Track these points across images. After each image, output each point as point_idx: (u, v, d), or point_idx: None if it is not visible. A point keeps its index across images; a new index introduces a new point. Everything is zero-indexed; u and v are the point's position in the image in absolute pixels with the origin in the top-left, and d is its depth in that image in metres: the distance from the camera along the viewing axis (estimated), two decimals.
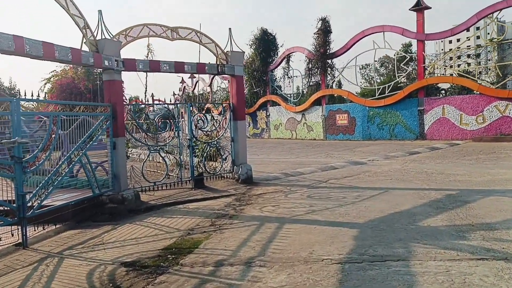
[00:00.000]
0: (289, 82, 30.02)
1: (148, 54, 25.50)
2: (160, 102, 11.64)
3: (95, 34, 8.80)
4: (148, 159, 10.05)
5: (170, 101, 17.20)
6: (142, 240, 6.61)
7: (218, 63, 11.44)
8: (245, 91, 32.40)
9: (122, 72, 9.49)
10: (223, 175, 11.90)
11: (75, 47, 8.07)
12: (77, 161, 8.15)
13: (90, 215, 8.63)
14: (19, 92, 41.54)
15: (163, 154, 10.29)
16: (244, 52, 11.79)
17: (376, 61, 25.00)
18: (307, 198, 9.32)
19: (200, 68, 10.89)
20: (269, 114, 30.91)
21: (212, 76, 37.84)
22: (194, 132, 11.06)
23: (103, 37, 8.90)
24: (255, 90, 31.74)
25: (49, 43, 7.34)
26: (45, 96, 28.21)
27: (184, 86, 45.13)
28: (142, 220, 8.09)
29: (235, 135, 11.84)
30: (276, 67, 30.62)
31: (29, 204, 6.89)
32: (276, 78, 31.46)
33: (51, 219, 7.61)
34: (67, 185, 9.04)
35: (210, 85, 38.66)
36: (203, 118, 11.29)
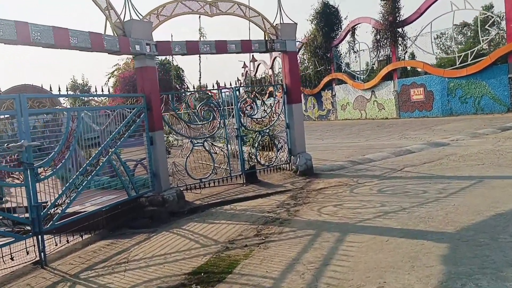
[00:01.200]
0: (356, 57, 27.64)
1: (200, 39, 24.52)
2: (202, 89, 10.41)
3: (121, 15, 7.75)
4: (191, 153, 8.94)
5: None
6: (171, 257, 5.46)
7: (266, 38, 9.96)
8: (309, 71, 30.64)
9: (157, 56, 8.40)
10: (279, 166, 10.52)
11: (96, 32, 7.05)
12: (106, 160, 7.21)
13: (128, 220, 7.72)
14: (89, 89, 43.11)
15: (208, 147, 9.12)
16: (296, 24, 10.18)
17: (455, 25, 21.87)
18: (377, 193, 7.66)
19: (245, 46, 9.49)
20: (335, 94, 28.83)
21: (273, 57, 36.43)
22: (242, 120, 9.76)
23: (131, 18, 7.81)
24: (318, 69, 29.73)
25: (61, 28, 6.36)
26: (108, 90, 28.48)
27: (246, 71, 44.13)
28: (181, 227, 6.99)
29: (290, 120, 10.36)
30: (340, 41, 28.32)
31: (53, 210, 6.07)
32: (341, 54, 29.13)
33: (81, 227, 6.77)
34: (108, 186, 8.23)
35: (272, 67, 37.21)
36: (252, 104, 9.92)
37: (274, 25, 10.04)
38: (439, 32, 23.20)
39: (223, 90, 9.64)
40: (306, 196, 8.08)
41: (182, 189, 8.76)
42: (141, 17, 8.07)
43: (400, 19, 23.33)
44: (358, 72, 27.32)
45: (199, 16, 8.88)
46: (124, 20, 7.75)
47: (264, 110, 10.14)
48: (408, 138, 15.04)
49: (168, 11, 8.58)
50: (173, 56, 32.15)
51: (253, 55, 41.90)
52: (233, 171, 9.64)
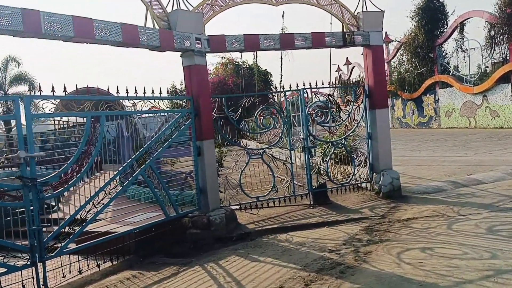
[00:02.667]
0: (464, 57, 24.01)
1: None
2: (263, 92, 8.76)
3: (167, 7, 6.68)
4: (247, 166, 7.54)
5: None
6: None
7: (344, 30, 8.23)
8: (408, 73, 27.58)
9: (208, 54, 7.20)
10: (357, 186, 8.67)
11: (131, 23, 6.03)
12: (138, 173, 6.13)
13: (167, 244, 6.60)
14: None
15: (268, 160, 7.65)
16: (383, 11, 8.28)
17: None
18: (486, 233, 5.54)
19: (317, 40, 7.87)
20: (438, 99, 25.42)
21: None
22: (311, 128, 8.13)
23: (179, 7, 6.70)
24: (419, 71, 26.52)
25: (83, 18, 5.41)
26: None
27: (340, 74, 41.90)
28: (219, 261, 5.64)
29: (373, 129, 8.47)
30: (446, 40, 24.90)
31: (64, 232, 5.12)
32: (447, 54, 25.64)
33: (107, 251, 5.77)
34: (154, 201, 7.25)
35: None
36: (324, 109, 8.23)
37: (355, 14, 8.27)
38: None
39: (288, 93, 8.13)
40: (386, 230, 6.20)
41: (235, 208, 7.43)
42: (191, 8, 6.92)
43: None
44: (466, 76, 23.70)
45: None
46: (169, 11, 6.66)
47: (340, 116, 8.38)
48: None
49: (225, 0, 7.33)
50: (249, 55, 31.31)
51: (347, 58, 39.70)
52: (298, 189, 8.07)
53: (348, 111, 8.55)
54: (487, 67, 22.83)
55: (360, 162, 8.67)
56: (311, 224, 6.99)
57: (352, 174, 8.58)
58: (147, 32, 6.23)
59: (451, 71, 24.95)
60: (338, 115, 8.42)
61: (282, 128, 7.78)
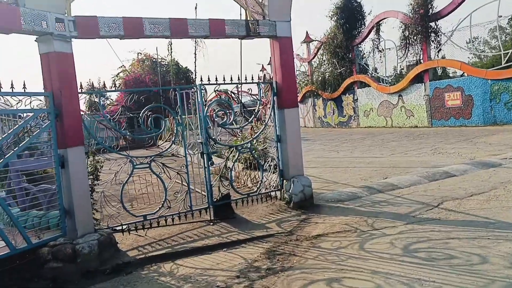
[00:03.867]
0: (380, 57, 24.36)
1: None
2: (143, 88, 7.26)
3: None
4: (131, 179, 6.17)
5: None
6: None
7: (248, 18, 7.17)
8: (327, 72, 27.59)
9: (75, 40, 5.73)
10: (267, 194, 7.67)
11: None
12: None
13: (23, 281, 5.07)
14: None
15: (157, 170, 6.35)
16: None
17: (500, 17, 18.41)
18: (402, 255, 4.72)
19: (215, 27, 6.71)
20: (357, 98, 25.64)
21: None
22: (211, 131, 6.97)
23: None
24: (338, 71, 26.60)
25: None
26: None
27: (264, 74, 41.41)
28: None
29: (282, 131, 7.51)
30: (363, 40, 25.13)
31: None
32: (364, 54, 25.94)
33: None
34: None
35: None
36: (226, 109, 7.11)
37: (260, 0, 7.25)
38: (481, 25, 19.45)
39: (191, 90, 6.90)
40: (291, 252, 5.21)
41: (116, 231, 6.05)
42: None
43: (433, 12, 20.07)
44: (384, 76, 24.06)
45: None
46: None
47: (245, 117, 7.29)
48: (444, 153, 11.87)
49: None
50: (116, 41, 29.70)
51: (270, 57, 39.28)
52: (197, 203, 6.86)
53: (254, 110, 7.49)
54: (403, 68, 23.31)
55: (269, 167, 7.66)
56: (207, 246, 5.82)
57: (259, 182, 7.54)
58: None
59: (370, 71, 25.25)
60: (244, 116, 7.32)
61: (175, 131, 6.50)
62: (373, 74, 24.86)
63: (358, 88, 25.52)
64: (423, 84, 20.81)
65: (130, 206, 6.39)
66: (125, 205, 6.16)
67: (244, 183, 9.06)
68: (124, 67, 30.45)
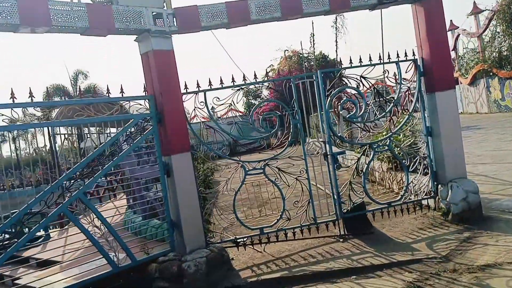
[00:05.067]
0: None
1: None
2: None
3: None
4: (243, 185, 5.38)
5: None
6: None
7: None
8: (504, 46, 22.95)
9: (177, 35, 5.22)
10: (417, 203, 6.06)
11: None
12: (61, 208, 4.32)
13: None
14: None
15: (273, 176, 5.42)
16: None
17: None
18: None
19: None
20: None
21: (455, 34, 29.27)
22: (336, 126, 5.73)
23: None
24: None
25: None
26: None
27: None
28: None
29: (433, 122, 5.83)
30: None
31: None
32: None
33: None
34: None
35: (455, 48, 30.03)
36: (355, 98, 5.75)
37: None
38: None
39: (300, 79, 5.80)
40: None
41: (229, 246, 5.37)
42: None
43: None
44: None
45: None
46: None
47: (381, 106, 5.82)
48: None
49: None
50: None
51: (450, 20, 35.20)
52: (322, 214, 5.73)
53: (394, 98, 5.95)
54: None
55: (418, 168, 6.03)
56: (331, 271, 4.67)
57: (404, 187, 5.99)
58: (72, 10, 4.42)
59: None
60: (380, 105, 5.87)
61: (290, 130, 5.48)
62: None
63: None
64: None
65: (244, 217, 5.63)
66: (238, 216, 5.41)
67: (389, 187, 7.52)
68: (273, 65, 30.70)
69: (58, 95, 26.66)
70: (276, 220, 5.50)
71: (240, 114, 5.77)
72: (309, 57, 28.10)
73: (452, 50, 30.30)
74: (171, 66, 5.11)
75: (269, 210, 5.67)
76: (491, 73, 24.56)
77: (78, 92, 29.11)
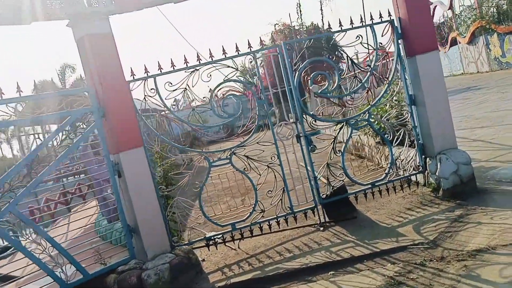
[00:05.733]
0: None
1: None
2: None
3: None
4: (208, 178, 4.84)
5: None
6: None
7: None
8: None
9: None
10: (405, 179, 5.50)
11: None
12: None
13: None
14: None
15: (241, 164, 4.86)
16: None
17: None
18: None
19: None
20: None
21: None
22: (309, 105, 5.12)
23: None
24: None
25: None
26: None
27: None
28: None
29: (416, 89, 5.22)
30: None
31: None
32: None
33: None
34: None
35: (451, 7, 28.93)
36: (324, 71, 5.11)
37: None
38: None
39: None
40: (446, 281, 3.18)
41: (198, 246, 4.87)
42: None
43: None
44: None
45: None
46: None
47: (356, 76, 5.18)
48: None
49: None
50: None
51: None
52: (300, 202, 5.19)
53: (370, 66, 5.30)
54: None
55: (403, 142, 5.45)
56: (308, 268, 4.16)
57: (389, 164, 5.41)
58: None
59: None
60: (355, 76, 5.22)
61: (257, 112, 4.89)
62: None
63: None
64: None
65: (212, 214, 5.12)
66: (205, 213, 4.88)
67: (378, 163, 6.96)
68: (264, 42, 29.60)
69: (46, 90, 26.13)
70: (248, 214, 4.97)
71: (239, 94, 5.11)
72: (301, 29, 27.21)
73: (449, 9, 29.18)
74: (111, 51, 4.51)
75: (252, 199, 5.12)
76: (489, 30, 23.55)
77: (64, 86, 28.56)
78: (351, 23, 5.16)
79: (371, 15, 5.24)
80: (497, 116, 9.66)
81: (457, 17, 28.33)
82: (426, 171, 5.35)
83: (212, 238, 4.93)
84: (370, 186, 5.29)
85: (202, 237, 4.92)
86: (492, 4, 23.00)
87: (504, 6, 22.22)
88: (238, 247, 5.02)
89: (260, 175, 4.94)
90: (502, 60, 23.55)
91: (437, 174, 5.08)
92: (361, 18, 5.26)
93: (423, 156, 5.35)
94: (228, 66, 4.83)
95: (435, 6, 32.33)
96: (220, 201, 6.38)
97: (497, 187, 4.98)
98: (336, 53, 23.64)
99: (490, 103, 12.18)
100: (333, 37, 5.83)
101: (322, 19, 20.41)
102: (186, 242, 4.86)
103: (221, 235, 4.97)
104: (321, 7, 19.80)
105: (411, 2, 5.09)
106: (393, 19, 5.27)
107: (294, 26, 26.65)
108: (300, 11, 22.71)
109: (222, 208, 5.94)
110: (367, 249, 4.20)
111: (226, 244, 4.98)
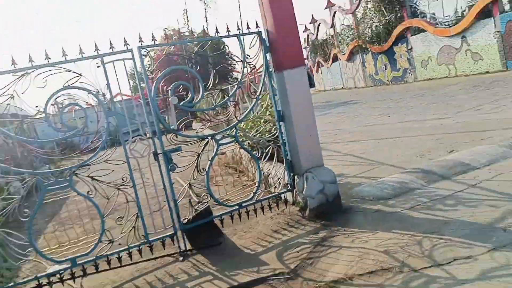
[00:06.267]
0: None
1: None
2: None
3: None
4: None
5: None
6: None
7: None
8: (375, 22, 23.84)
9: None
10: (275, 197, 5.24)
11: None
12: None
13: None
14: None
15: (85, 188, 4.13)
16: None
17: None
18: None
19: None
20: (411, 47, 21.83)
21: (333, 12, 30.09)
22: (164, 116, 4.60)
23: None
24: (386, 19, 22.88)
25: None
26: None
27: (308, 35, 38.21)
28: None
29: (284, 105, 5.01)
30: None
31: None
32: None
33: None
34: None
35: (333, 25, 30.94)
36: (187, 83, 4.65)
37: None
38: None
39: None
40: None
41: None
42: None
43: None
44: (441, 18, 20.07)
45: None
46: None
47: (222, 90, 4.79)
48: None
49: None
50: None
51: (312, 15, 36.09)
52: (156, 230, 4.61)
53: (237, 79, 4.97)
54: (464, 10, 19.18)
55: (271, 159, 5.20)
56: None
57: (257, 183, 5.11)
58: None
59: (425, 12, 21.30)
60: (221, 89, 4.84)
61: (105, 125, 4.21)
62: (428, 17, 20.94)
63: (411, 35, 21.75)
64: (492, 18, 16.82)
65: (47, 248, 4.30)
66: (37, 247, 4.03)
67: (253, 179, 6.70)
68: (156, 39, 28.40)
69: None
70: (93, 246, 4.23)
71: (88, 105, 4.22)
72: (191, 36, 26.71)
73: (331, 27, 31.16)
74: None
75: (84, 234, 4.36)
76: (365, 49, 25.57)
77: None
78: (217, 31, 4.77)
79: (237, 25, 4.91)
80: (368, 131, 10.18)
81: (338, 35, 30.34)
82: (295, 190, 5.17)
83: (46, 277, 4.08)
84: (237, 207, 4.92)
85: (32, 277, 4.05)
86: (368, 25, 24.97)
87: (375, 27, 24.25)
88: (81, 286, 4.25)
89: (108, 199, 4.24)
90: (376, 77, 25.73)
91: (304, 193, 4.91)
92: (227, 28, 4.89)
93: (292, 174, 5.16)
94: (70, 71, 4.07)
95: (319, 24, 34.44)
96: (76, 224, 5.52)
97: (361, 205, 4.97)
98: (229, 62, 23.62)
99: (362, 118, 12.95)
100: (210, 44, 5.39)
101: (206, 27, 20.21)
102: (11, 284, 3.95)
103: (59, 273, 4.14)
104: (205, 15, 19.56)
105: (277, 13, 4.86)
106: (260, 31, 5.01)
107: (184, 33, 26.05)
108: (187, 17, 22.18)
109: (78, 233, 5.09)
110: (225, 283, 3.78)
111: (65, 283, 4.18)
